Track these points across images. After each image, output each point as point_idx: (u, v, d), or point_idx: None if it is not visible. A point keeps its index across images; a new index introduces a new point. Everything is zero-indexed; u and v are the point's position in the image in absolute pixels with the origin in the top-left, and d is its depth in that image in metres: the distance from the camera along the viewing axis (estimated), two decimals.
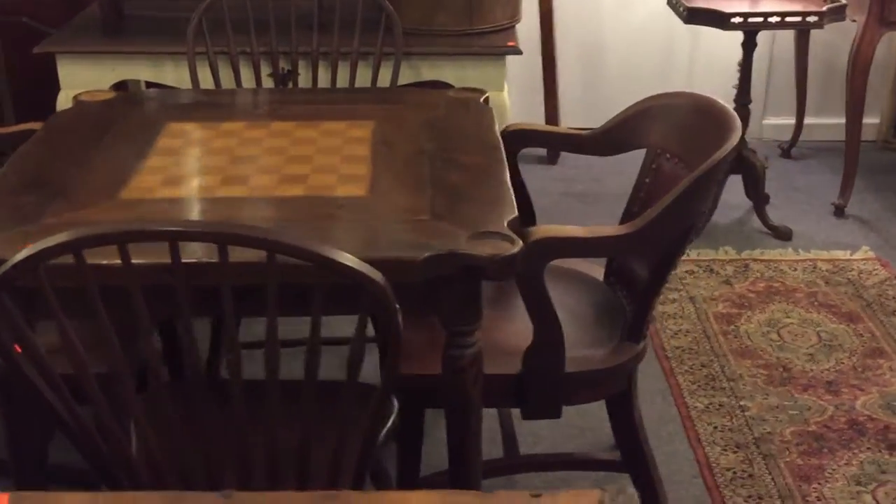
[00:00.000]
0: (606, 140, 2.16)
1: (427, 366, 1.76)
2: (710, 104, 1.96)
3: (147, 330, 1.26)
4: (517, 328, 1.94)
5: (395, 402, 1.74)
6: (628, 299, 2.03)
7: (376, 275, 1.23)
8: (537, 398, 1.83)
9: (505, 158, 1.93)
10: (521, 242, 1.58)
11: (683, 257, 3.42)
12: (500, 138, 2.02)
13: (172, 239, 1.18)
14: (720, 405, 2.62)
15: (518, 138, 2.19)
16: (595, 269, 2.20)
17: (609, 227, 1.73)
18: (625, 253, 1.78)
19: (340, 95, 2.33)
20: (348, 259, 1.21)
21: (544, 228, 1.70)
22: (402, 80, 2.70)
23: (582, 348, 1.91)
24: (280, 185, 1.79)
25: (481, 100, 2.25)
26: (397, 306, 1.25)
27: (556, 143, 2.30)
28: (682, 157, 1.98)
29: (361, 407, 1.48)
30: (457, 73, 2.75)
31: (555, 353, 1.78)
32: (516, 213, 1.68)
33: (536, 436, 2.48)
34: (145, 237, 1.20)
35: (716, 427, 2.53)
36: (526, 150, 4.12)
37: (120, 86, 2.91)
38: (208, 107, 2.24)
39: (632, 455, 2.01)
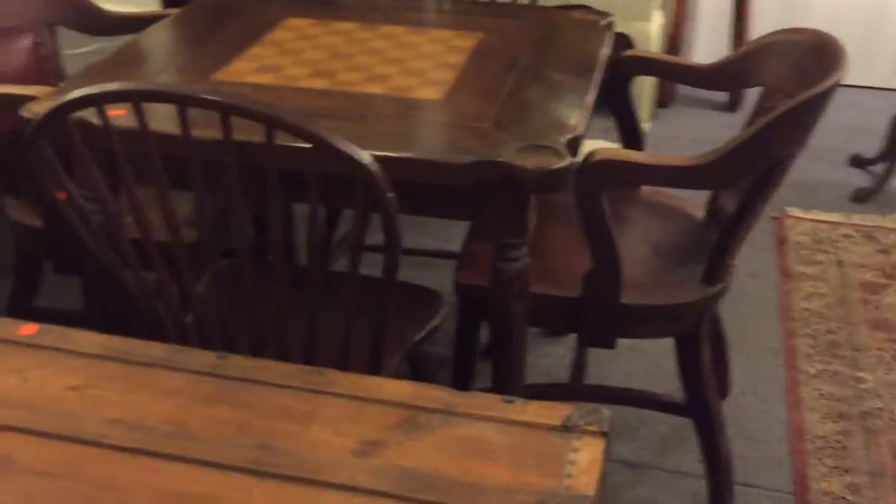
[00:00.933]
0: (723, 75, 2.06)
1: (483, 276, 1.77)
2: (826, 42, 1.82)
3: (164, 198, 1.34)
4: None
5: (443, 306, 1.77)
6: None
7: (366, 158, 1.25)
8: (591, 325, 1.80)
9: (596, 81, 1.88)
10: (569, 159, 1.55)
11: (843, 220, 3.22)
12: (599, 62, 1.96)
13: (180, 103, 1.25)
14: (834, 373, 2.47)
15: (632, 65, 2.13)
16: (698, 208, 2.12)
17: (678, 157, 1.67)
18: (690, 186, 1.71)
19: (461, 6, 2.33)
20: (340, 142, 1.24)
21: (606, 150, 1.65)
22: (548, 2, 2.65)
23: (651, 282, 1.86)
24: (363, 82, 1.83)
25: (603, 24, 2.19)
26: (391, 194, 1.27)
27: (670, 73, 2.21)
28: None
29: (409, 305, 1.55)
30: (604, 0, 2.67)
31: (609, 280, 1.74)
32: (580, 132, 1.65)
33: (626, 373, 2.44)
34: (156, 98, 1.27)
35: (822, 394, 2.40)
36: (705, 97, 4.03)
37: None
38: (335, 7, 2.30)
39: (695, 401, 1.94)
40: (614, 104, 2.17)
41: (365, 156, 1.25)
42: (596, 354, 2.47)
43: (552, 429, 1.24)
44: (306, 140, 1.24)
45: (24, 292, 2.23)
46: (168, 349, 1.36)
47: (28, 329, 1.38)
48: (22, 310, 2.19)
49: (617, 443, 2.21)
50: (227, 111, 1.23)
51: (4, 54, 2.38)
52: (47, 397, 1.24)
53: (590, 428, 1.24)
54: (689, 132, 3.86)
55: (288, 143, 1.29)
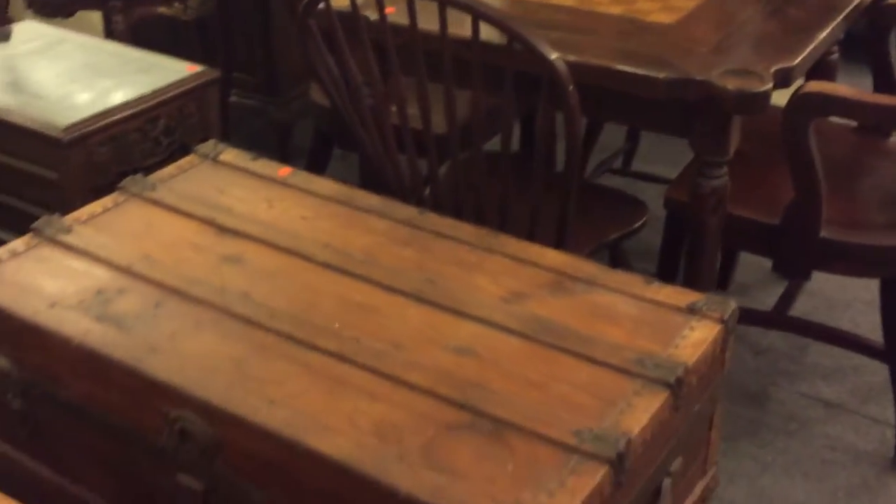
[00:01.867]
0: None
1: (687, 193, 1.90)
2: None
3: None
4: None
5: (645, 213, 1.94)
6: None
7: (552, 55, 1.44)
8: (787, 254, 1.88)
9: (838, 22, 1.91)
10: (770, 84, 1.64)
11: None
12: (851, 5, 1.98)
13: None
14: None
15: (892, 14, 2.12)
16: None
17: (889, 97, 1.70)
18: None
19: None
20: (533, 38, 1.44)
21: (816, 83, 1.72)
22: None
23: (859, 221, 1.90)
24: (608, 3, 1.99)
25: None
26: (572, 88, 1.46)
27: None
28: None
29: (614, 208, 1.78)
30: None
31: (810, 213, 1.81)
32: (794, 64, 1.72)
33: (854, 323, 2.44)
34: None
35: None
36: None
37: None
38: None
39: (893, 347, 1.96)
40: (871, 53, 2.18)
41: (551, 53, 1.45)
42: (828, 300, 2.49)
43: (678, 309, 1.40)
44: (504, 32, 1.46)
45: (315, 166, 2.64)
46: (382, 200, 1.65)
47: (284, 171, 1.72)
48: None
49: (822, 382, 2.25)
50: (443, 2, 1.48)
51: None
52: (283, 221, 1.58)
53: (710, 313, 1.38)
54: None
55: (492, 41, 1.52)
